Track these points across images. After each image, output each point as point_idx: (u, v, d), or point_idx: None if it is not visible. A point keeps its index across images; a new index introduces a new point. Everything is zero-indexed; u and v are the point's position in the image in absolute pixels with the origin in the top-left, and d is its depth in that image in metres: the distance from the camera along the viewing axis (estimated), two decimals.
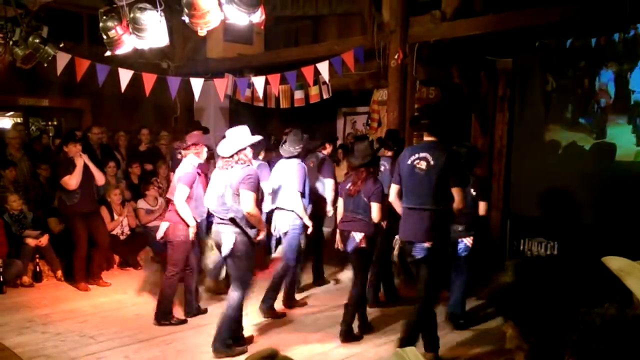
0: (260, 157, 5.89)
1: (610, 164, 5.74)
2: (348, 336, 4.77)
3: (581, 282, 2.08)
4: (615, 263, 1.51)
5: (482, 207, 4.98)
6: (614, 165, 5.72)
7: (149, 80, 6.33)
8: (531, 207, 6.19)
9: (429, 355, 4.21)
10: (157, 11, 4.03)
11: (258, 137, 4.50)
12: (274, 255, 5.81)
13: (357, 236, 4.60)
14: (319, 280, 6.49)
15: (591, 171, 5.81)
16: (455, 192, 4.07)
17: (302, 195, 5.36)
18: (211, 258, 4.75)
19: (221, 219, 4.34)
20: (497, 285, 1.81)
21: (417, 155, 4.19)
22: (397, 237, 4.42)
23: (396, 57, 6.17)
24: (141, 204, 7.49)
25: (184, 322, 5.20)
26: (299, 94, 7.73)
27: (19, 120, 8.91)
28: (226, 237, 4.29)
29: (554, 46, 6.03)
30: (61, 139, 7.43)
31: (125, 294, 6.15)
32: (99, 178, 6.42)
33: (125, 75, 6.15)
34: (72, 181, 6.09)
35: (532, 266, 2.11)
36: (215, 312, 5.41)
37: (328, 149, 6.38)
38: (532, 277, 2.01)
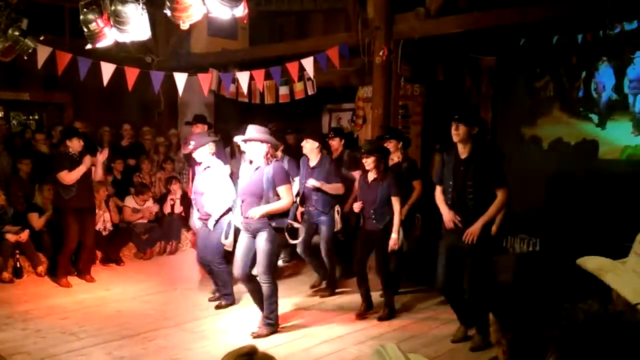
0: None
1: (594, 161, 5.81)
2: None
3: (560, 278, 2.10)
4: (591, 263, 1.52)
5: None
6: (597, 162, 5.79)
7: (131, 74, 6.27)
8: (514, 204, 6.24)
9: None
10: (139, 4, 3.98)
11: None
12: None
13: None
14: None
15: (575, 168, 5.87)
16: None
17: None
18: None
19: None
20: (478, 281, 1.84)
21: None
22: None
23: (381, 53, 6.17)
24: (129, 202, 7.43)
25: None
26: (283, 90, 7.70)
27: None
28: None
29: (539, 43, 6.07)
30: (61, 134, 7.37)
31: (107, 291, 6.09)
32: (99, 175, 6.39)
33: (107, 69, 6.08)
34: (68, 177, 6.02)
35: (512, 262, 2.14)
36: (196, 308, 5.42)
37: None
38: (512, 273, 2.03)
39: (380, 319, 5.14)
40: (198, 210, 5.51)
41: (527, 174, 6.10)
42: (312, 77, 6.93)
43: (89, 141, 7.68)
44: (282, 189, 4.58)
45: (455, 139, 4.29)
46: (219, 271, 5.46)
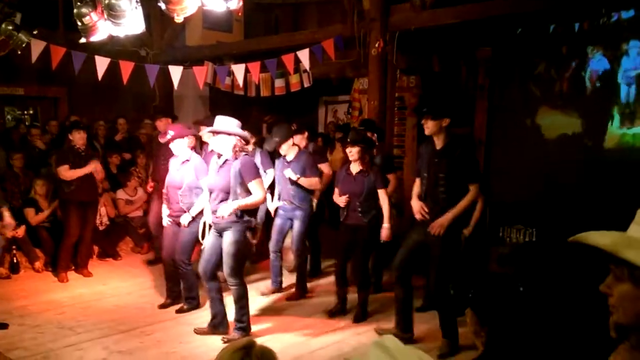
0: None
1: (591, 149, 5.81)
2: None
3: (556, 268, 2.11)
4: (603, 238, 1.44)
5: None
6: (594, 151, 5.79)
7: (126, 68, 6.24)
8: (510, 194, 6.26)
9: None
10: None
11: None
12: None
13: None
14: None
15: (572, 157, 5.87)
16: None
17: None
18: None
19: None
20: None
21: None
22: None
23: (377, 45, 6.15)
24: (120, 194, 7.41)
25: None
26: (279, 82, 7.67)
27: None
28: None
29: (535, 33, 6.05)
30: (63, 127, 7.35)
31: (104, 285, 6.09)
32: (99, 176, 6.34)
33: (102, 63, 6.05)
34: (68, 174, 5.98)
35: (507, 253, 2.15)
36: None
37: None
38: (507, 263, 2.05)
39: (357, 319, 4.97)
40: (170, 206, 5.20)
41: (525, 164, 6.11)
42: (307, 69, 6.91)
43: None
44: (252, 184, 4.35)
45: (426, 132, 4.24)
46: (184, 272, 5.17)
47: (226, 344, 1.92)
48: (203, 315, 4.94)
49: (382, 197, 4.86)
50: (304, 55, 6.42)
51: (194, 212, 5.00)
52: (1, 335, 4.64)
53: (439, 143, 4.23)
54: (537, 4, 5.31)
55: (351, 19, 6.48)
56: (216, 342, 4.45)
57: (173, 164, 5.24)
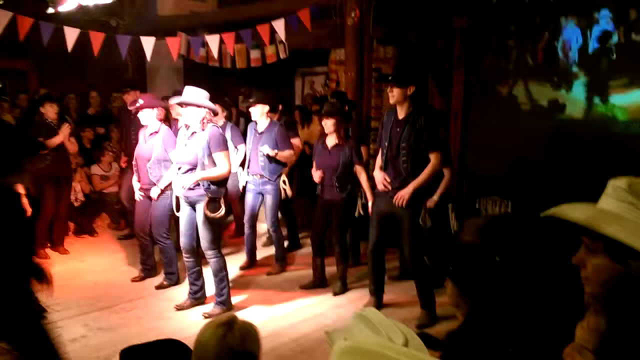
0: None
1: (565, 121, 5.87)
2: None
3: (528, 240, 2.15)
4: (579, 212, 1.46)
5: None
6: (568, 122, 5.85)
7: (96, 39, 6.06)
8: (487, 166, 6.32)
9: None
10: None
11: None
12: None
13: None
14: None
15: (546, 129, 5.93)
16: None
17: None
18: None
19: None
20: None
21: None
22: None
23: (353, 15, 6.08)
24: (95, 169, 7.29)
25: None
26: (255, 54, 7.55)
27: None
28: None
29: (511, 2, 6.02)
30: (33, 101, 7.14)
31: (82, 262, 6.03)
32: (71, 148, 6.23)
33: (71, 34, 5.86)
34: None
35: (479, 224, 2.17)
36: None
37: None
38: (478, 234, 2.08)
39: (335, 294, 5.02)
40: (139, 178, 5.16)
41: (501, 136, 6.16)
42: (283, 40, 6.80)
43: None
44: (218, 156, 4.31)
45: (391, 100, 4.24)
46: (164, 247, 5.16)
47: (207, 319, 1.93)
48: (183, 292, 4.94)
49: (359, 171, 4.86)
50: (279, 25, 6.32)
51: (162, 184, 4.97)
52: None
53: (401, 112, 4.23)
54: None
55: None
56: (197, 318, 4.48)
57: (142, 135, 5.19)
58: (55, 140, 5.85)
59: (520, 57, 6.21)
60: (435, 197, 4.99)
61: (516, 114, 6.18)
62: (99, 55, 6.17)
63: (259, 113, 5.43)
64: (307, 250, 6.06)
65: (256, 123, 5.54)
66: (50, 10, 4.35)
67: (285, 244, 6.06)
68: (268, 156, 5.39)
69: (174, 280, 5.25)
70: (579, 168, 5.45)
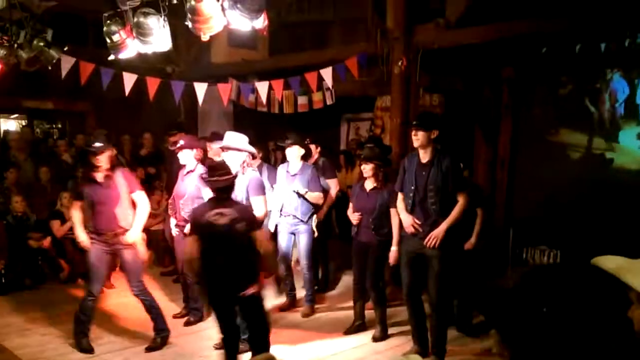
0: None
1: (615, 169, 5.73)
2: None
3: (569, 295, 2.07)
4: (610, 262, 1.48)
5: None
6: (617, 171, 5.71)
7: (152, 84, 6.35)
8: (534, 215, 6.17)
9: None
10: (161, 16, 4.04)
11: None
12: None
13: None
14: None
15: (596, 177, 5.79)
16: None
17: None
18: None
19: None
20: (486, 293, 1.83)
21: None
22: None
23: (400, 63, 6.17)
24: None
25: None
26: (302, 100, 7.73)
27: (23, 122, 8.95)
28: None
29: (560, 52, 6.01)
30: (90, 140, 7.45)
31: (126, 297, 6.10)
32: None
33: (129, 79, 6.17)
34: None
35: (521, 277, 2.11)
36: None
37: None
38: (517, 288, 2.02)
39: (375, 339, 4.94)
40: (175, 215, 5.30)
41: (549, 184, 6.03)
42: (330, 87, 6.95)
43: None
44: (257, 200, 4.50)
45: (415, 144, 4.30)
46: (190, 283, 5.24)
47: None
48: None
49: (393, 215, 4.83)
50: (327, 73, 6.47)
51: None
52: (25, 344, 4.71)
53: (425, 156, 4.30)
54: (562, 24, 5.28)
55: (375, 38, 6.52)
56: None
57: (180, 174, 5.38)
58: None
59: (569, 106, 6.13)
60: (473, 240, 5.00)
61: (565, 162, 6.07)
62: (154, 99, 6.46)
63: (295, 154, 5.55)
64: (338, 290, 6.16)
65: (288, 164, 5.65)
66: (111, 57, 4.58)
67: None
68: (300, 196, 5.47)
69: (198, 316, 5.32)
70: (630, 218, 5.26)
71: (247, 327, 3.98)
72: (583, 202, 5.78)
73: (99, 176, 4.63)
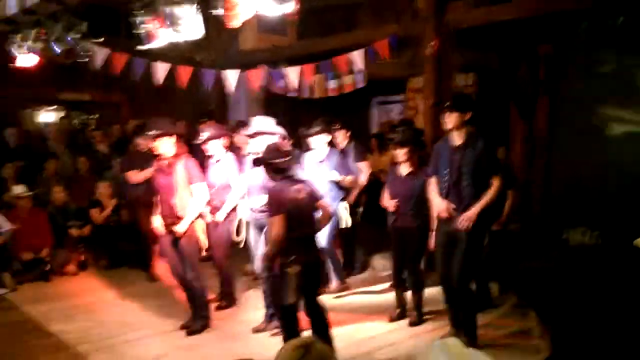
0: None
1: None
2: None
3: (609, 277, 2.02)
4: None
5: None
6: None
7: (184, 73, 6.41)
8: (573, 195, 6.03)
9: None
10: (193, 5, 4.06)
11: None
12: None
13: None
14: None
15: (638, 156, 5.60)
16: None
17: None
18: None
19: None
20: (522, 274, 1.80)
21: None
22: None
23: (431, 44, 6.07)
24: None
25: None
26: (332, 84, 7.70)
27: (61, 114, 9.16)
28: None
29: (601, 26, 5.80)
30: (124, 131, 7.64)
31: (167, 284, 6.26)
32: None
33: (161, 69, 6.24)
34: (134, 177, 6.26)
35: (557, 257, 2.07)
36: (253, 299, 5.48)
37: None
38: (558, 268, 1.97)
39: (411, 324, 4.92)
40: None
41: (589, 163, 5.87)
42: (361, 70, 6.89)
43: None
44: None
45: (448, 126, 4.21)
46: (222, 267, 5.34)
47: (284, 344, 1.94)
48: (258, 315, 4.99)
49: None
50: (357, 56, 6.41)
51: (226, 208, 5.17)
52: (69, 329, 4.86)
53: (458, 139, 4.22)
54: None
55: (405, 19, 6.42)
56: (272, 340, 4.51)
57: (209, 165, 5.38)
58: (147, 173, 6.12)
59: (610, 83, 5.93)
60: (503, 219, 5.00)
61: (605, 140, 5.89)
62: (186, 88, 6.52)
63: (321, 142, 5.53)
64: (366, 275, 6.28)
65: (315, 151, 5.61)
66: (143, 47, 4.63)
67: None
68: (332, 183, 5.43)
69: (231, 300, 5.42)
70: None
71: (308, 305, 4.00)
72: (624, 181, 5.62)
73: (162, 164, 4.69)
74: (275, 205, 3.84)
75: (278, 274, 3.87)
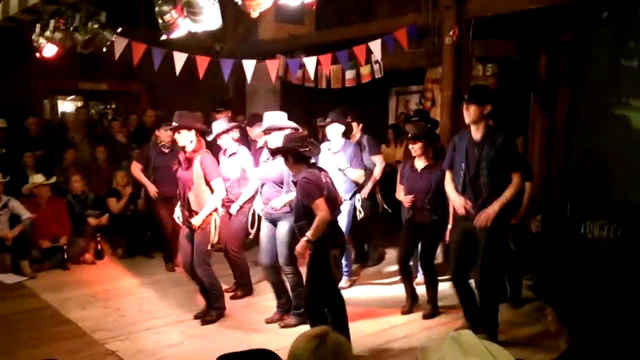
0: None
1: None
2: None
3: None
4: None
5: None
6: None
7: (202, 63, 6.40)
8: (593, 188, 5.92)
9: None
10: None
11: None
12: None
13: None
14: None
15: None
16: None
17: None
18: None
19: None
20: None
21: None
22: None
23: (451, 33, 5.97)
24: None
25: None
26: (350, 74, 7.63)
27: (79, 104, 9.23)
28: None
29: (623, 16, 5.65)
30: (142, 121, 7.85)
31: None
32: None
33: (179, 59, 6.24)
34: (135, 172, 6.36)
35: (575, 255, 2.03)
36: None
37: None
38: (576, 265, 1.94)
39: (425, 316, 4.88)
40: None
41: (610, 155, 5.76)
42: (379, 60, 6.82)
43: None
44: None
45: (467, 120, 4.12)
46: (236, 259, 5.39)
47: (301, 333, 1.93)
48: (274, 305, 4.99)
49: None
50: (375, 46, 6.34)
51: (241, 201, 5.21)
52: (86, 316, 4.92)
53: (477, 133, 4.13)
54: None
55: (425, 8, 6.33)
56: (286, 330, 4.52)
57: (222, 157, 5.37)
58: (143, 181, 6.34)
59: (632, 73, 5.80)
60: (521, 214, 4.93)
61: (627, 133, 5.76)
62: (203, 78, 6.52)
63: (336, 132, 5.48)
64: (380, 267, 6.25)
65: (330, 142, 5.58)
66: (163, 37, 4.63)
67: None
68: (341, 171, 5.39)
69: (247, 290, 5.46)
70: None
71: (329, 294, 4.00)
72: None
73: (182, 157, 4.72)
74: (316, 189, 3.84)
75: (318, 259, 3.85)
